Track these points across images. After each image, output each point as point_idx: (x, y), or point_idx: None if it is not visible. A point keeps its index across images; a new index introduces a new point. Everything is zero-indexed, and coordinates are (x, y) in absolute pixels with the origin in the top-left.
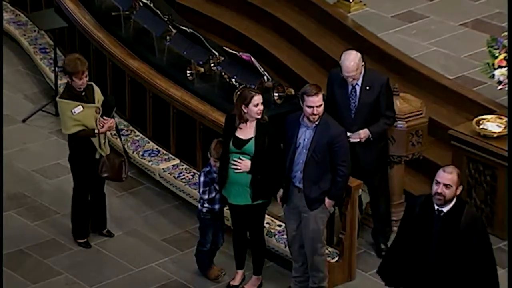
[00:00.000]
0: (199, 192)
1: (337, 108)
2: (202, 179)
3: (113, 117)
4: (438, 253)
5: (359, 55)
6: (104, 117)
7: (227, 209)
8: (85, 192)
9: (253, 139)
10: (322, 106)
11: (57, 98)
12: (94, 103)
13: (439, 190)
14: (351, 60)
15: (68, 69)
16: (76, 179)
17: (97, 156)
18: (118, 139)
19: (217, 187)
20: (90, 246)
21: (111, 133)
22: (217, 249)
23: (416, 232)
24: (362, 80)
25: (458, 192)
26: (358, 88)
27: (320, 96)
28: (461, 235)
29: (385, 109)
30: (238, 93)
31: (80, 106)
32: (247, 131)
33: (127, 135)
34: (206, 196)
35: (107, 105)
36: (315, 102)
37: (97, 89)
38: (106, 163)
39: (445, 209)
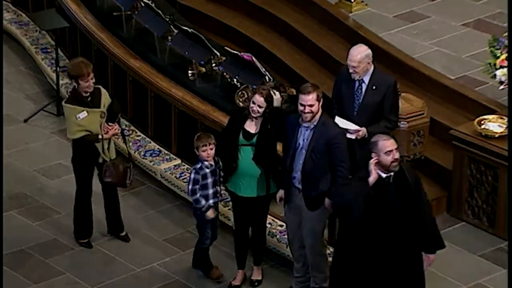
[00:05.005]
0: (188, 187)
1: (341, 106)
2: (193, 176)
3: (119, 121)
4: (402, 215)
5: (368, 51)
6: (109, 123)
7: (223, 206)
8: (87, 194)
9: (258, 133)
10: (315, 106)
11: (62, 103)
12: (99, 107)
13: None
14: (358, 52)
15: (73, 73)
16: (78, 182)
17: (100, 161)
18: (124, 144)
19: (210, 184)
20: (92, 246)
21: (117, 137)
22: (210, 245)
23: (378, 212)
24: (370, 79)
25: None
26: (364, 87)
27: (313, 95)
28: (413, 191)
29: (388, 112)
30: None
31: (85, 112)
32: (255, 125)
33: (128, 135)
34: (197, 194)
35: (112, 111)
36: (306, 101)
37: (104, 92)
38: (110, 168)
39: (391, 177)
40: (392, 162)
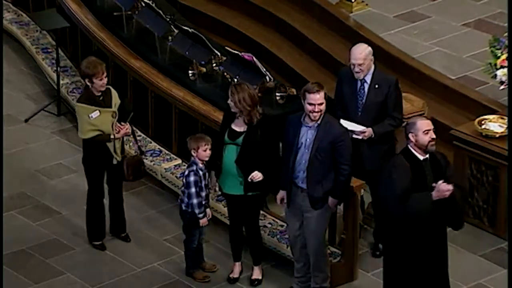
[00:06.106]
0: (190, 191)
1: (345, 106)
2: (192, 178)
3: (130, 123)
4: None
5: (370, 49)
6: (121, 123)
7: (224, 206)
8: (99, 195)
9: (246, 132)
10: (324, 104)
11: (75, 102)
12: (111, 107)
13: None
14: (361, 50)
15: (88, 72)
16: (90, 183)
17: (114, 162)
18: (133, 140)
19: (203, 187)
20: (106, 248)
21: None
22: (201, 244)
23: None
24: (371, 78)
25: None
26: (366, 86)
27: (322, 94)
28: (445, 167)
29: (392, 110)
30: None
31: (97, 111)
32: (242, 124)
33: (129, 135)
34: (198, 197)
35: (124, 110)
36: (316, 100)
37: (114, 93)
38: (131, 166)
39: (427, 159)
40: (429, 141)
